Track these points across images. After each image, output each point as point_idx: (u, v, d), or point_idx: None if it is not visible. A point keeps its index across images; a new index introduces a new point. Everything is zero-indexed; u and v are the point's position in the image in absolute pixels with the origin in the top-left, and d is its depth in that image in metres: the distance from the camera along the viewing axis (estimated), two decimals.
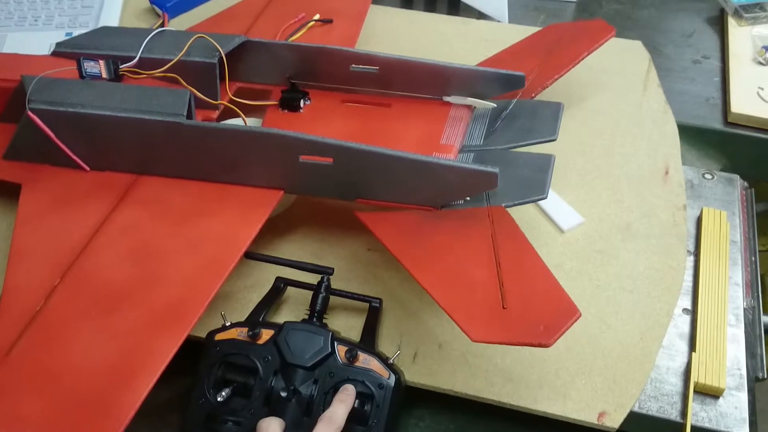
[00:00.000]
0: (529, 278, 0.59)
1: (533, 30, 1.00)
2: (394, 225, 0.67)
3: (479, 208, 0.67)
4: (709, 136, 0.91)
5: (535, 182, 0.67)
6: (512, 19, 1.06)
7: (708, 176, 0.84)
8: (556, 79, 0.79)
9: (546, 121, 0.73)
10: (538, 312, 0.56)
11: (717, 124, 0.92)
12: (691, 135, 0.90)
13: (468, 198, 0.68)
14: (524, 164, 0.70)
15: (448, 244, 0.64)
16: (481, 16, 1.06)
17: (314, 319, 0.65)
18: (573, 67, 0.80)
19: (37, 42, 0.99)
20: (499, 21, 1.05)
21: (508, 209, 0.66)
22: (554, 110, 0.74)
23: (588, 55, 0.81)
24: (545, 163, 0.69)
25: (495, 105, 0.77)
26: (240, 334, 0.62)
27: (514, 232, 0.63)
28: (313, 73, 0.80)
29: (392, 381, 0.60)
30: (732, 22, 1.04)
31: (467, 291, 0.59)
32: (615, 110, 0.89)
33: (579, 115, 0.88)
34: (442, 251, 0.64)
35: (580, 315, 0.55)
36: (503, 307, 0.57)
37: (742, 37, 1.01)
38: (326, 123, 0.77)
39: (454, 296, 0.59)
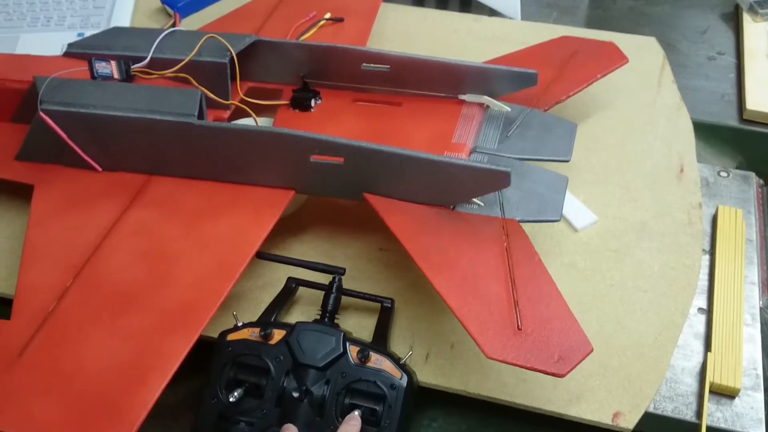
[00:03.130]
0: (544, 303, 0.59)
1: (546, 27, 1.00)
2: (405, 214, 0.67)
3: (494, 217, 0.67)
4: (724, 133, 0.90)
5: (549, 202, 0.68)
6: (524, 16, 1.06)
7: (723, 174, 0.83)
8: (570, 96, 0.79)
9: (560, 139, 0.74)
10: (552, 340, 0.57)
11: (732, 121, 0.91)
12: (706, 132, 0.89)
13: (482, 204, 0.68)
14: (538, 180, 0.70)
15: (462, 249, 0.64)
16: (493, 13, 1.06)
17: (326, 320, 0.65)
18: (586, 87, 0.80)
19: (49, 42, 0.99)
20: (511, 18, 1.05)
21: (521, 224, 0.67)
22: (568, 130, 0.75)
23: (601, 77, 0.81)
24: (559, 184, 0.69)
25: (509, 109, 0.76)
26: (252, 334, 0.62)
27: (528, 251, 0.64)
28: (324, 72, 0.80)
29: (404, 381, 0.59)
30: (747, 18, 1.03)
31: (482, 305, 0.59)
32: (629, 107, 0.88)
33: (593, 113, 0.87)
34: (455, 255, 0.63)
35: (593, 350, 0.56)
36: (518, 328, 0.57)
37: (757, 33, 1.00)
38: (337, 122, 0.77)
39: (469, 308, 0.59)
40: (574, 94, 0.80)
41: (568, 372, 0.55)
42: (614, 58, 0.83)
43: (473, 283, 0.61)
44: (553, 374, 0.55)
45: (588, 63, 0.83)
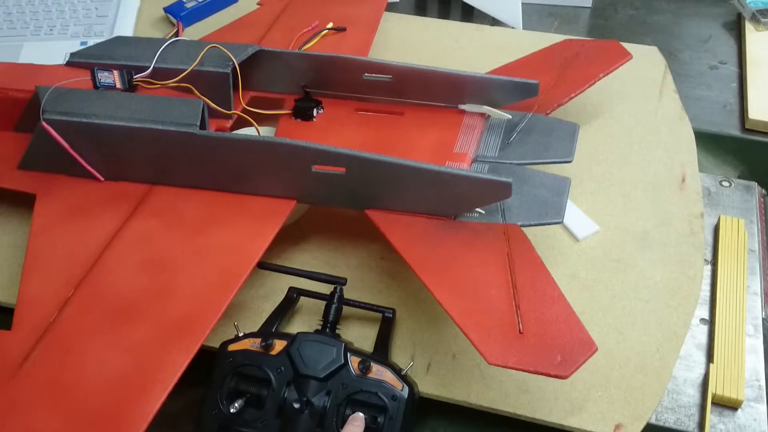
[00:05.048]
0: (546, 305, 0.59)
1: (547, 36, 1.00)
2: (406, 228, 0.67)
3: (495, 224, 0.66)
4: (727, 142, 0.90)
5: (551, 204, 0.68)
6: (526, 26, 1.06)
7: (725, 183, 0.83)
8: (572, 98, 0.79)
9: (562, 141, 0.74)
10: (555, 342, 0.56)
11: (734, 131, 0.91)
12: (708, 142, 0.89)
13: (483, 212, 0.68)
14: (540, 184, 0.70)
15: (463, 257, 0.64)
16: (494, 22, 1.06)
17: (327, 330, 0.64)
18: (588, 87, 0.80)
19: (52, 51, 0.99)
20: (513, 27, 1.05)
21: (524, 228, 0.66)
22: (570, 131, 0.75)
23: (604, 76, 0.81)
24: (562, 185, 0.69)
25: (510, 117, 0.76)
26: (253, 344, 0.62)
27: (530, 254, 0.63)
28: (327, 81, 0.80)
29: (406, 392, 0.59)
30: (749, 27, 1.03)
31: (483, 311, 0.59)
32: (630, 117, 0.88)
33: (594, 122, 0.87)
34: (456, 264, 0.63)
35: (597, 349, 0.56)
36: (519, 332, 0.57)
37: (759, 42, 1.00)
38: (339, 132, 0.77)
39: (470, 315, 0.59)
40: (575, 96, 0.79)
41: (572, 373, 0.55)
42: (616, 55, 0.83)
43: (474, 290, 0.61)
44: (556, 376, 0.55)
45: (590, 63, 0.83)
